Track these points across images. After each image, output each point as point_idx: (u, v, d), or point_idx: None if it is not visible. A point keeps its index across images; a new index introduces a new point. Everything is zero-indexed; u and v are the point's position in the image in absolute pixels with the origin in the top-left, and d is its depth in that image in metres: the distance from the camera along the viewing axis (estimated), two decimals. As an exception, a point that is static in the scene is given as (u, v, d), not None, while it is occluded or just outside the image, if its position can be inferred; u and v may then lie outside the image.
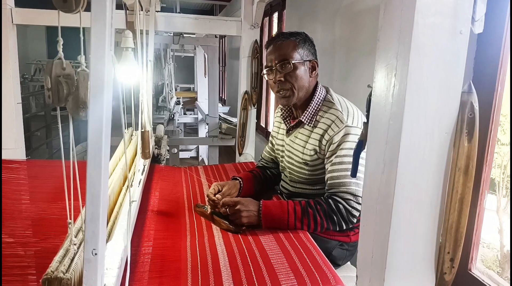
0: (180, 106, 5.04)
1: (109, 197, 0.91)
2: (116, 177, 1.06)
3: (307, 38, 1.24)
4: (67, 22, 0.78)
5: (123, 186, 1.12)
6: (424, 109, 0.51)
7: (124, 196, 1.02)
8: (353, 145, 1.11)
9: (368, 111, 0.58)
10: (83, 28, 0.64)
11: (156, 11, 1.73)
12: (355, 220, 1.10)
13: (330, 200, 1.09)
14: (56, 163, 1.72)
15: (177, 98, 5.14)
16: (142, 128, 1.17)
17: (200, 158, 4.94)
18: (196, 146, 5.00)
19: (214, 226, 1.09)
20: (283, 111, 1.34)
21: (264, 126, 4.17)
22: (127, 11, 1.51)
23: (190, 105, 5.90)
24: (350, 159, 1.10)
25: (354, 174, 0.70)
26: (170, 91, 4.75)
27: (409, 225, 0.53)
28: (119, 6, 1.44)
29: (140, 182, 1.12)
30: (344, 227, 1.10)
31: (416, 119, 0.51)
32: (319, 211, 1.08)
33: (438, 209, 0.53)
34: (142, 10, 1.49)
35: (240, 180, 1.28)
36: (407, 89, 0.50)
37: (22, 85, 5.19)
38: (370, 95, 0.58)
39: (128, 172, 0.82)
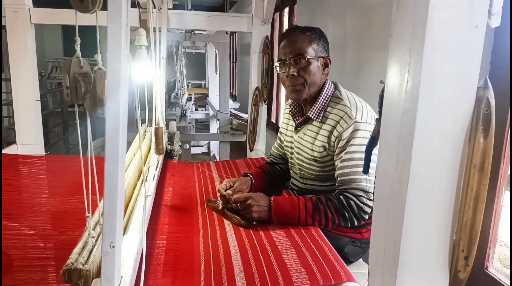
0: (192, 102, 5.08)
1: (125, 192, 0.93)
2: (131, 172, 1.09)
3: (322, 34, 1.23)
4: (84, 21, 0.80)
5: (138, 181, 1.14)
6: (438, 105, 0.50)
7: (139, 191, 1.04)
8: (363, 141, 1.10)
9: (380, 107, 0.58)
10: (99, 27, 0.65)
11: (168, 9, 1.75)
12: (366, 217, 1.10)
13: (341, 196, 1.09)
14: (73, 159, 1.77)
15: (188, 95, 5.18)
16: (155, 125, 1.18)
17: (211, 154, 4.98)
18: (207, 142, 5.04)
19: (226, 221, 1.11)
20: (291, 107, 1.34)
21: (275, 122, 4.16)
22: (140, 9, 1.52)
23: (201, 101, 5.95)
24: (360, 155, 1.10)
25: (366, 170, 0.70)
26: (182, 87, 4.79)
27: (422, 222, 0.53)
28: (133, 5, 1.46)
29: (154, 177, 1.14)
30: (356, 224, 1.10)
31: (430, 115, 0.50)
32: (330, 208, 1.08)
33: (452, 207, 0.53)
34: (154, 8, 1.51)
35: (251, 176, 1.29)
36: (421, 85, 0.49)
37: (40, 83, 5.31)
38: (382, 91, 0.57)
39: (143, 168, 0.83)
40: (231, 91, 7.67)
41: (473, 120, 0.51)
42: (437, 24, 0.48)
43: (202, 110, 5.68)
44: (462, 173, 0.52)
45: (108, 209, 0.51)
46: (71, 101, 0.64)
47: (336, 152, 1.15)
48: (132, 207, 0.92)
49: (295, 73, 1.18)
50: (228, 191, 1.16)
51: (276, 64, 1.24)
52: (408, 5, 0.51)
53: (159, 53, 1.49)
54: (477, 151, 0.51)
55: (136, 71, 1.11)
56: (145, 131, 1.58)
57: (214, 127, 4.71)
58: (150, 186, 1.08)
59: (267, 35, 1.96)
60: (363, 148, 1.09)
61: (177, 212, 1.17)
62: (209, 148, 5.09)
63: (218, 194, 1.20)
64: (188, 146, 3.61)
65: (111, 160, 0.50)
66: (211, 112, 4.78)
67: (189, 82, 7.49)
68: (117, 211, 0.51)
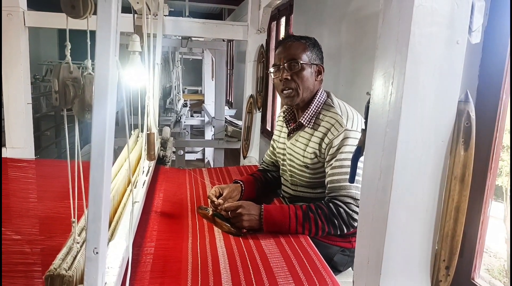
0: (187, 108, 5.08)
1: (113, 198, 0.93)
2: (121, 177, 1.08)
3: (316, 43, 1.27)
4: (77, 25, 0.81)
5: (127, 186, 1.14)
6: (421, 117, 0.52)
7: (128, 197, 1.04)
8: (353, 149, 1.12)
9: (366, 118, 0.59)
10: (91, 32, 0.66)
11: (164, 15, 1.76)
12: (356, 224, 1.11)
13: (330, 204, 1.10)
14: (63, 163, 1.76)
15: (184, 101, 5.19)
16: (148, 130, 1.19)
17: (206, 160, 4.97)
18: (202, 148, 5.03)
19: (215, 228, 1.11)
20: (285, 114, 1.36)
21: (269, 129, 4.18)
22: (136, 15, 1.53)
23: (197, 107, 5.96)
24: (350, 163, 1.11)
25: (352, 180, 0.71)
26: (178, 93, 4.79)
27: (405, 232, 0.54)
28: (128, 10, 1.47)
29: (144, 183, 1.14)
30: (345, 231, 1.11)
31: (412, 127, 0.52)
32: (320, 215, 1.09)
33: (434, 217, 0.54)
34: (150, 14, 1.52)
35: (242, 183, 1.29)
36: (404, 98, 0.51)
37: (33, 85, 5.28)
38: (368, 102, 0.59)
39: (131, 175, 0.83)
40: (227, 98, 7.69)
41: (454, 132, 0.52)
42: (419, 39, 0.50)
43: (197, 116, 5.68)
44: (444, 184, 0.53)
45: (93, 215, 0.51)
46: (59, 106, 0.64)
47: (327, 159, 1.16)
48: (121, 213, 0.92)
49: (288, 77, 1.20)
50: (220, 200, 1.16)
51: (271, 69, 1.27)
52: (393, 20, 0.52)
53: (153, 59, 1.50)
54: (458, 163, 0.52)
55: (129, 77, 1.11)
56: (138, 137, 1.58)
57: (209, 134, 4.71)
58: (139, 192, 1.08)
59: (262, 44, 1.98)
60: (351, 156, 1.11)
61: (167, 218, 1.16)
62: (203, 154, 5.09)
63: (209, 201, 1.20)
64: (182, 152, 3.60)
65: (96, 166, 0.50)
66: (206, 119, 4.79)
67: (185, 88, 7.49)
68: (101, 217, 0.51)
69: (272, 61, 1.33)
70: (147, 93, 1.09)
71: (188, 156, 5.03)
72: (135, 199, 0.86)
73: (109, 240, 0.77)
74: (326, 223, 1.08)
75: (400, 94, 0.51)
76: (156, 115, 1.75)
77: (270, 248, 0.98)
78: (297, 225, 1.07)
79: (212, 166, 4.25)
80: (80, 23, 0.66)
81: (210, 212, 1.16)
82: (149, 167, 1.25)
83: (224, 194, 1.21)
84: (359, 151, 0.60)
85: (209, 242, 1.01)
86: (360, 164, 0.68)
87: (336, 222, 1.08)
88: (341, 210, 1.08)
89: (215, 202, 1.15)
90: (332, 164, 1.13)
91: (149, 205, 1.22)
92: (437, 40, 0.50)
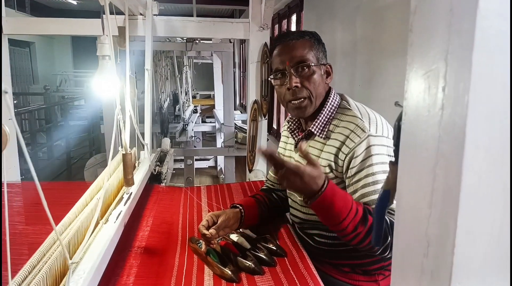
0: (198, 114, 4.93)
1: (69, 242, 0.74)
2: (89, 210, 0.90)
3: (320, 39, 1.05)
4: (89, 32, 0.63)
5: (101, 219, 0.95)
6: (500, 146, 0.29)
7: (99, 231, 0.85)
8: (383, 159, 0.88)
9: (397, 145, 0.36)
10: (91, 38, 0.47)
11: (153, 15, 1.57)
12: None
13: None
14: (55, 185, 1.61)
15: (194, 107, 5.04)
16: (123, 150, 0.99)
17: (218, 168, 4.79)
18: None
19: (206, 270, 0.90)
20: (290, 123, 1.15)
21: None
22: (122, 15, 1.36)
23: (209, 112, 5.81)
24: (383, 177, 0.86)
25: (378, 242, 0.47)
26: (187, 100, 4.64)
27: None
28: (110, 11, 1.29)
29: (119, 216, 0.94)
30: (386, 254, 0.85)
31: (484, 162, 0.29)
32: None
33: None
34: (134, 14, 1.34)
35: (241, 208, 1.08)
36: (469, 114, 0.28)
37: (45, 96, 5.33)
38: (399, 119, 0.36)
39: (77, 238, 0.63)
40: (241, 101, 7.51)
41: None
42: (493, 6, 0.27)
43: (210, 122, 5.52)
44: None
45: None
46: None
47: (350, 174, 0.92)
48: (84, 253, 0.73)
49: (299, 84, 0.98)
50: (211, 231, 0.95)
51: (272, 76, 1.04)
52: (441, -22, 0.30)
53: (143, 65, 1.32)
54: None
55: (100, 85, 0.93)
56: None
57: (220, 141, 4.54)
58: (111, 229, 0.88)
59: (266, 42, 1.76)
60: (384, 167, 0.88)
61: (150, 257, 0.96)
62: (216, 162, 4.91)
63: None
64: (190, 162, 3.43)
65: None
66: (217, 125, 4.61)
67: (197, 93, 7.38)
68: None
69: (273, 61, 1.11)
70: (117, 105, 0.88)
71: (200, 164, 4.87)
72: (73, 259, 0.66)
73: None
74: None
75: (462, 108, 0.28)
76: (148, 128, 1.57)
77: (271, 302, 0.76)
78: (350, 223, 0.82)
79: (224, 174, 4.06)
80: (75, 29, 0.47)
81: (203, 248, 0.95)
82: (128, 194, 1.06)
83: (218, 222, 1.00)
84: (387, 197, 0.38)
85: (195, 291, 0.81)
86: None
87: (389, 239, 0.82)
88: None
89: (207, 235, 0.94)
90: (362, 180, 0.89)
91: (131, 239, 1.03)
92: (531, 5, 0.27)
